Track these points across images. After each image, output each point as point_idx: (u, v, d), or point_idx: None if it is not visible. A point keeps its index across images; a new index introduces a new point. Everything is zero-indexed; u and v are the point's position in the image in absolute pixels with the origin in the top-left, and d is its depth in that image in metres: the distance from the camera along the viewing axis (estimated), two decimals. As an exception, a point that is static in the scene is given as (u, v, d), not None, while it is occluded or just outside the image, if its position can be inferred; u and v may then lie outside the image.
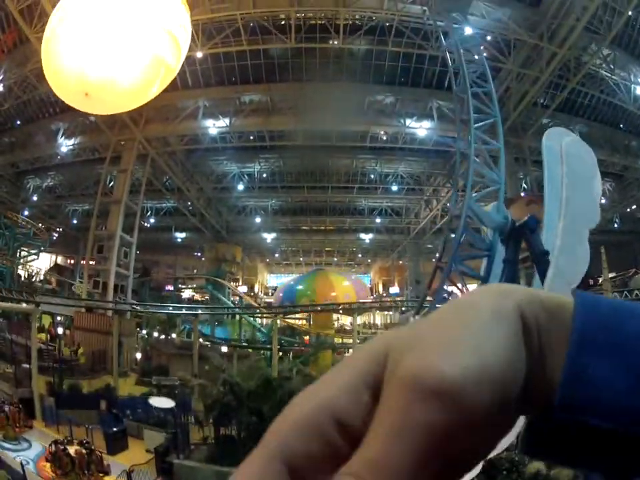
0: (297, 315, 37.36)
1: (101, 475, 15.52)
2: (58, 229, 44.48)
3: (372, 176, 40.57)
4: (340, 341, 35.50)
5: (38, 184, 41.10)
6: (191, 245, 49.54)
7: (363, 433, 0.37)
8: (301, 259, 54.88)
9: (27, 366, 21.39)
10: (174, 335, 32.51)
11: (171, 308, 33.16)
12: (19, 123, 34.28)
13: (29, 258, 38.78)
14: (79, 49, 6.68)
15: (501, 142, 18.56)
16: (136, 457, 17.22)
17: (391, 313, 41.66)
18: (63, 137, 34.39)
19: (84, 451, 15.64)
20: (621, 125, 32.86)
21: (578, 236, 4.83)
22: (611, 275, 29.90)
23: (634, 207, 37.76)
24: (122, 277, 30.94)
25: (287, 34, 27.91)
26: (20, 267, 37.73)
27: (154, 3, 7.15)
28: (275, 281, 56.88)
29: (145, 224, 41.70)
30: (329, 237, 48.68)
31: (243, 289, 47.87)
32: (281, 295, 46.41)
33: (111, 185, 33.96)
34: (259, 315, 37.63)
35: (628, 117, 31.40)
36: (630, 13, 23.62)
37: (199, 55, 27.78)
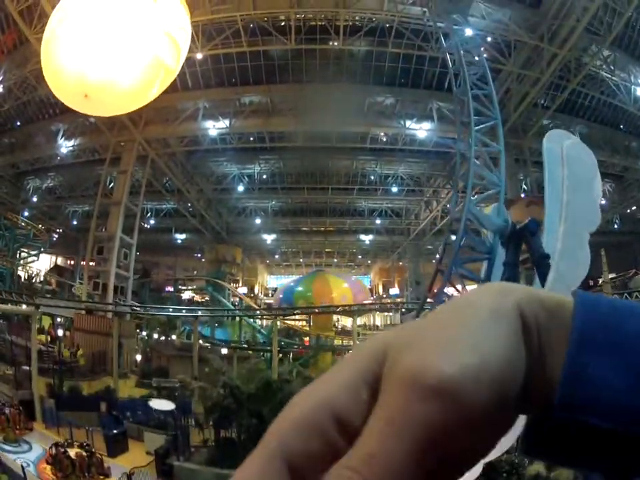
0: (297, 317, 37.33)
1: (101, 477, 15.52)
2: (58, 230, 44.49)
3: (372, 177, 40.56)
4: (340, 342, 35.50)
5: (38, 185, 41.10)
6: (191, 246, 49.53)
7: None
8: (301, 260, 54.88)
9: (27, 368, 21.38)
10: (174, 337, 32.51)
11: (170, 309, 33.15)
12: (18, 123, 34.27)
13: (29, 259, 38.74)
14: (79, 51, 6.66)
15: (502, 144, 18.54)
16: (136, 459, 17.22)
17: (390, 314, 41.67)
18: (63, 138, 34.37)
19: (84, 453, 15.65)
20: (621, 126, 32.85)
21: (578, 239, 4.78)
22: (611, 276, 29.90)
23: (634, 207, 37.77)
24: (122, 279, 30.90)
25: (287, 35, 27.89)
26: (20, 268, 37.69)
27: (153, 5, 7.14)
28: (275, 282, 56.86)
29: (145, 225, 41.70)
30: (329, 238, 48.68)
31: (243, 290, 47.88)
32: (280, 296, 46.47)
33: (110, 186, 33.94)
34: (259, 317, 37.62)
35: (628, 117, 31.39)
36: (630, 13, 23.56)
37: (199, 56, 27.75)
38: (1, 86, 29.24)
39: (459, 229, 16.18)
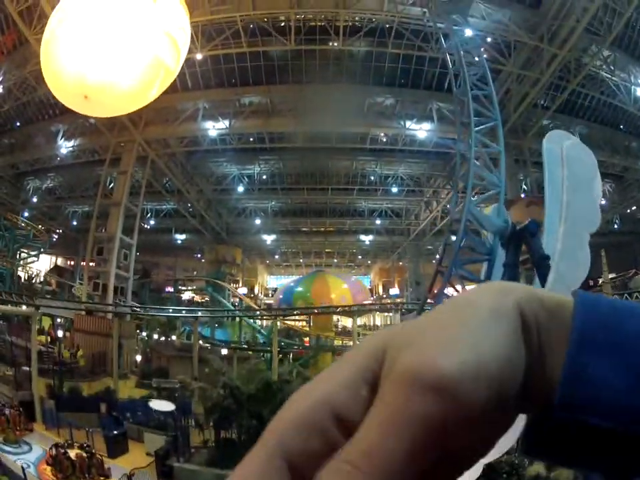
0: (297, 317, 37.33)
1: (101, 478, 15.52)
2: (58, 231, 44.51)
3: (372, 177, 40.56)
4: (340, 342, 35.49)
5: (38, 185, 41.10)
6: (190, 247, 49.53)
7: None
8: (301, 260, 54.90)
9: (27, 369, 21.38)
10: (174, 337, 32.50)
11: (170, 310, 33.13)
12: (18, 124, 34.26)
13: (29, 259, 38.74)
14: (78, 51, 6.66)
15: (502, 145, 18.53)
16: (136, 459, 17.24)
17: (391, 314, 41.66)
18: (63, 139, 34.37)
19: (84, 454, 15.66)
20: (621, 126, 32.85)
21: (579, 240, 4.79)
22: (610, 276, 29.90)
23: (634, 208, 37.77)
24: (122, 279, 30.90)
25: (287, 36, 27.89)
26: (20, 268, 37.69)
27: (153, 6, 7.13)
28: (274, 282, 56.89)
29: (145, 225, 41.69)
30: (329, 239, 48.68)
31: (242, 290, 47.89)
32: (280, 296, 46.55)
33: (110, 186, 33.94)
34: (259, 317, 37.63)
35: (628, 118, 31.39)
36: (630, 14, 23.56)
37: (199, 56, 27.75)
38: (1, 86, 29.23)
39: (459, 229, 16.17)
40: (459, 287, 16.10)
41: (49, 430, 18.93)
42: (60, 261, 47.39)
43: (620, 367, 0.38)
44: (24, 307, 25.05)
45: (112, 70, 6.74)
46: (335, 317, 39.46)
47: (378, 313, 43.33)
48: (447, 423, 0.36)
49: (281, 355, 29.12)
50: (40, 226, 39.35)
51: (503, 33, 26.45)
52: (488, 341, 0.38)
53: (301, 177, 39.93)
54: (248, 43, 28.27)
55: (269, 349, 29.44)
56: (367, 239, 48.92)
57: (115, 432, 18.31)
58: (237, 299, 44.15)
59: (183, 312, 33.28)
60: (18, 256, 36.56)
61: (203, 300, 46.23)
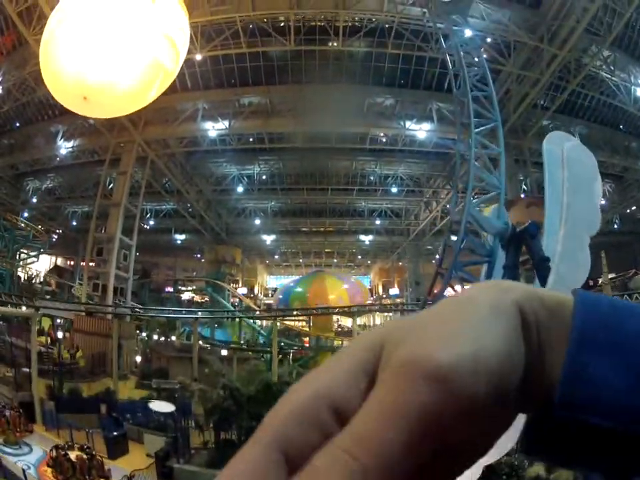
0: (297, 317, 37.32)
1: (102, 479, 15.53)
2: (57, 231, 44.49)
3: (371, 178, 40.53)
4: (340, 343, 35.46)
5: (37, 186, 41.06)
6: (190, 247, 49.51)
7: None
8: (301, 260, 54.89)
9: (27, 370, 21.37)
10: (174, 338, 32.47)
11: (170, 311, 33.09)
12: (18, 125, 34.22)
13: (29, 260, 38.73)
14: (78, 52, 6.65)
15: (502, 146, 18.51)
16: (136, 460, 17.26)
17: (391, 314, 41.65)
18: (62, 139, 34.33)
19: (85, 456, 15.65)
20: (621, 127, 32.82)
21: (579, 242, 4.78)
22: (610, 276, 29.91)
23: (634, 208, 37.75)
24: (121, 280, 30.89)
25: (286, 36, 27.87)
26: (19, 269, 37.68)
27: (152, 7, 7.12)
28: (274, 282, 56.91)
29: (145, 226, 41.69)
30: (328, 239, 48.65)
31: (242, 290, 47.89)
32: (280, 296, 46.57)
33: (110, 187, 33.93)
34: (259, 318, 37.62)
35: (628, 118, 31.37)
36: (630, 14, 23.54)
37: (198, 57, 27.72)
38: (0, 87, 29.21)
39: (459, 231, 16.16)
40: (458, 289, 16.09)
41: (49, 431, 18.94)
42: (60, 261, 47.39)
43: (620, 366, 0.38)
44: (24, 308, 25.02)
45: (111, 71, 6.74)
46: (334, 317, 39.47)
47: (378, 313, 43.33)
48: (444, 414, 0.35)
49: (280, 356, 29.09)
50: (40, 226, 39.32)
51: (503, 33, 26.42)
52: (488, 336, 0.38)
53: (300, 177, 39.90)
54: (247, 43, 28.24)
55: (268, 349, 29.40)
56: (366, 239, 48.90)
57: (115, 433, 18.32)
58: (237, 299, 44.16)
59: (183, 312, 33.26)
60: (18, 256, 36.54)
61: (202, 300, 46.23)
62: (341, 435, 0.36)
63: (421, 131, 32.49)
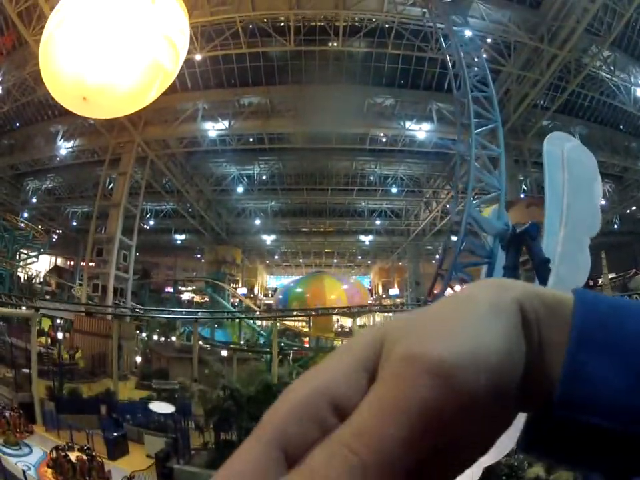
0: (297, 318, 37.30)
1: (101, 480, 15.53)
2: (57, 231, 44.50)
3: (371, 178, 40.53)
4: (340, 343, 35.41)
5: (37, 186, 41.05)
6: (190, 247, 49.51)
7: None
8: (301, 260, 54.91)
9: (27, 370, 21.36)
10: (174, 338, 32.46)
11: (170, 312, 33.05)
12: (18, 125, 34.22)
13: (29, 260, 38.73)
14: (77, 53, 6.64)
15: (502, 147, 18.51)
16: (136, 461, 17.25)
17: (391, 314, 41.65)
18: (62, 140, 34.31)
19: (85, 457, 15.64)
20: (621, 127, 32.83)
21: (579, 244, 4.77)
22: (610, 276, 29.93)
23: (634, 208, 37.76)
24: (121, 280, 30.87)
25: (286, 36, 27.88)
26: (19, 269, 37.68)
27: (152, 8, 7.11)
28: (274, 282, 56.93)
29: (145, 226, 41.68)
30: (328, 239, 48.64)
31: (242, 290, 47.90)
32: (280, 296, 46.65)
33: (110, 187, 33.94)
34: (259, 318, 37.62)
35: (628, 118, 31.37)
36: (630, 14, 23.53)
37: (198, 57, 27.74)
38: (0, 87, 29.21)
39: (459, 232, 16.16)
40: (458, 290, 16.08)
41: (49, 432, 18.92)
42: (60, 262, 47.40)
43: (620, 366, 0.38)
44: (24, 309, 25.00)
45: (110, 72, 6.73)
46: (335, 318, 39.49)
47: (378, 313, 43.34)
48: (444, 410, 0.35)
49: (280, 356, 29.08)
50: (39, 226, 39.36)
51: (503, 34, 26.42)
52: (488, 333, 0.38)
53: (300, 177, 39.90)
54: (247, 43, 28.25)
55: (268, 350, 29.39)
56: (366, 239, 48.90)
57: (115, 434, 18.31)
58: (237, 300, 44.17)
59: (183, 313, 33.24)
60: (18, 257, 36.55)
61: (202, 300, 46.22)
62: (340, 430, 0.36)
63: (421, 131, 32.49)
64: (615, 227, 39.13)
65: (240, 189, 41.00)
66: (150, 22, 6.95)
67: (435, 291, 18.58)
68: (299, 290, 45.48)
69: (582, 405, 0.38)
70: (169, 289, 48.55)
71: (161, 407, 19.88)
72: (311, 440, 0.36)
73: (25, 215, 40.08)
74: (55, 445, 16.34)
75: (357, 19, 27.87)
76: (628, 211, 38.38)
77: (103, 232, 31.60)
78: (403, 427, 0.35)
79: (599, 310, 0.41)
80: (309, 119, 30.38)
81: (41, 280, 39.95)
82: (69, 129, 33.73)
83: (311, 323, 35.97)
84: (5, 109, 30.74)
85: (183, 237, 47.46)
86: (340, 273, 52.05)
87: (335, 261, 54.81)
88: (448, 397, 0.35)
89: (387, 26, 27.69)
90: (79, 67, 6.53)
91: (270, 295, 54.19)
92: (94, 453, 16.10)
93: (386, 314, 40.70)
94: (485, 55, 22.65)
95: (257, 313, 39.33)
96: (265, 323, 37.12)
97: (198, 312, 33.47)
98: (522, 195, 31.08)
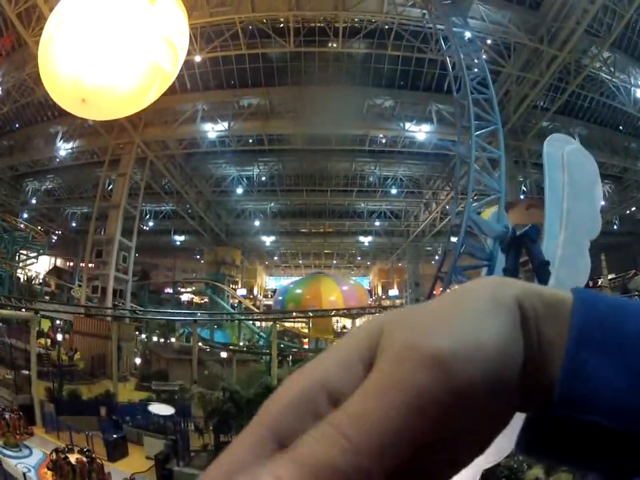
0: (297, 319, 37.30)
1: (101, 483, 15.51)
2: (57, 232, 44.50)
3: (371, 179, 40.55)
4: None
5: (37, 187, 41.04)
6: (190, 248, 49.51)
7: None
8: (300, 261, 54.94)
9: (27, 372, 21.34)
10: (173, 339, 32.45)
11: (169, 313, 33.03)
12: (17, 126, 34.19)
13: (28, 261, 38.74)
14: (76, 55, 6.62)
15: (502, 150, 18.48)
16: (136, 463, 17.25)
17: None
18: (62, 140, 34.29)
19: (85, 459, 15.62)
20: (621, 127, 32.86)
21: (579, 247, 4.75)
22: (610, 277, 29.92)
23: (633, 208, 37.79)
24: (121, 281, 30.84)
25: (286, 37, 27.84)
26: (19, 270, 37.68)
27: (151, 9, 7.09)
28: (274, 283, 56.95)
29: (144, 227, 41.66)
30: (328, 240, 48.67)
31: (242, 291, 47.92)
32: (280, 297, 46.68)
33: (109, 188, 33.91)
34: (258, 319, 37.62)
35: (628, 119, 31.40)
36: (630, 15, 23.51)
37: (198, 58, 27.72)
38: (0, 88, 29.19)
39: (459, 235, 16.13)
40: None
41: (49, 433, 18.91)
42: (59, 263, 47.42)
43: (619, 366, 0.38)
44: (23, 311, 24.96)
45: (109, 74, 6.70)
46: (335, 319, 39.50)
47: (377, 314, 43.35)
48: (439, 400, 0.35)
49: (280, 358, 29.08)
50: (39, 227, 39.41)
51: (503, 35, 26.39)
52: (487, 327, 0.38)
53: (300, 178, 39.90)
54: (247, 44, 28.21)
55: (268, 351, 29.37)
56: (366, 240, 48.92)
57: (115, 436, 18.29)
58: (236, 301, 44.16)
59: (182, 314, 33.22)
60: (17, 257, 36.54)
61: (202, 301, 46.22)
62: (333, 414, 0.36)
63: (421, 132, 32.47)
64: (615, 227, 39.15)
65: (239, 190, 41.01)
66: (149, 23, 6.93)
67: (435, 294, 18.55)
68: (296, 291, 45.54)
69: (582, 404, 0.38)
70: (169, 290, 48.57)
71: (161, 409, 19.87)
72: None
73: (25, 215, 40.12)
74: (55, 447, 16.31)
75: (356, 20, 27.83)
76: (627, 212, 38.41)
77: (102, 233, 31.56)
78: (395, 413, 0.34)
79: (599, 309, 0.41)
80: (308, 120, 30.36)
81: (41, 281, 39.96)
82: (69, 130, 33.70)
83: (311, 324, 35.96)
84: (5, 110, 30.72)
85: (182, 238, 47.48)
86: (339, 274, 52.06)
87: (335, 262, 54.84)
88: (443, 387, 0.35)
89: (386, 27, 27.66)
90: (78, 68, 6.50)
91: (269, 296, 54.21)
92: (94, 455, 16.08)
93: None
94: (484, 56, 22.63)
95: (256, 314, 39.30)
96: (264, 324, 37.12)
97: (197, 313, 33.45)
98: (522, 196, 31.07)
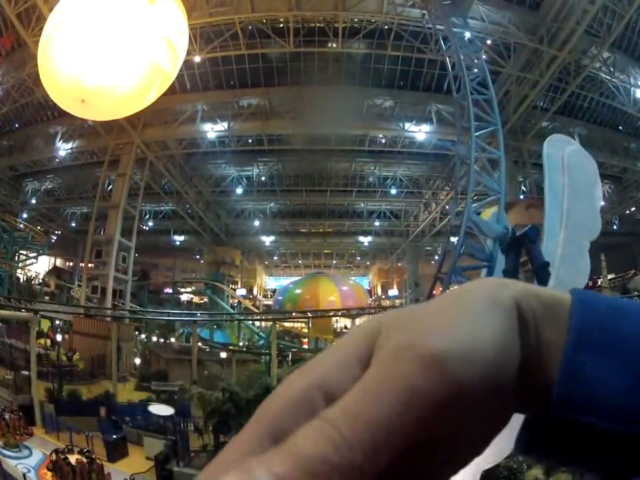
0: (297, 319, 37.31)
1: (101, 483, 15.51)
2: (56, 232, 44.49)
3: (371, 179, 40.54)
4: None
5: (36, 187, 41.02)
6: (189, 248, 49.51)
7: None
8: (300, 261, 54.93)
9: (27, 372, 21.33)
10: (173, 340, 32.42)
11: (169, 313, 33.02)
12: (17, 126, 34.17)
13: (28, 261, 38.72)
14: (75, 55, 6.61)
15: (502, 150, 18.47)
16: (136, 463, 17.24)
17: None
18: (61, 141, 34.28)
19: (85, 459, 15.61)
20: (620, 128, 32.86)
21: (579, 248, 4.74)
22: (610, 277, 29.92)
23: (633, 208, 37.80)
24: (120, 281, 30.82)
25: (286, 37, 27.83)
26: (19, 270, 37.66)
27: (151, 9, 7.09)
28: (273, 283, 56.96)
29: (144, 227, 41.65)
30: (327, 240, 48.67)
31: (241, 291, 47.91)
32: (279, 297, 46.71)
33: (109, 188, 33.90)
34: (258, 319, 37.62)
35: (627, 119, 31.40)
36: (630, 15, 23.51)
37: (197, 58, 27.70)
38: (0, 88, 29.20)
39: (458, 235, 16.12)
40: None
41: (48, 434, 18.90)
42: (59, 263, 47.41)
43: (619, 366, 0.38)
44: (23, 312, 24.94)
45: (109, 74, 6.69)
46: (334, 319, 39.51)
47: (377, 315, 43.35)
48: (434, 398, 0.35)
49: (279, 358, 29.06)
50: (39, 227, 39.37)
51: (503, 35, 26.37)
52: (485, 327, 0.38)
53: (299, 178, 39.91)
54: (246, 44, 28.20)
55: (267, 351, 29.36)
56: (365, 240, 48.91)
57: (115, 436, 18.29)
58: (236, 301, 44.15)
59: (182, 314, 33.22)
60: (17, 258, 36.53)
61: (201, 301, 46.22)
62: (328, 409, 0.36)
63: (420, 132, 32.45)
64: (615, 227, 39.15)
65: (239, 190, 41.01)
66: (149, 23, 6.93)
67: (434, 294, 18.54)
68: (295, 292, 45.57)
69: (581, 405, 0.38)
70: (168, 290, 48.54)
71: (160, 409, 19.87)
72: None
73: (24, 216, 40.09)
74: (55, 448, 16.31)
75: (356, 20, 27.82)
76: (627, 212, 38.42)
77: (102, 233, 31.55)
78: (390, 410, 0.34)
79: (597, 310, 0.41)
80: (308, 120, 30.35)
81: (40, 281, 39.95)
82: (68, 130, 33.69)
83: (310, 325, 35.96)
84: (4, 110, 30.70)
85: (182, 238, 47.47)
86: (339, 274, 52.08)
87: (334, 262, 54.83)
88: (439, 386, 0.35)
89: (386, 27, 27.65)
90: (77, 68, 6.49)
91: (269, 296, 54.22)
92: (93, 456, 16.08)
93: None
94: (484, 57, 22.62)
95: (256, 314, 39.30)
96: (264, 324, 37.11)
97: (197, 313, 33.44)
98: (521, 197, 31.07)
